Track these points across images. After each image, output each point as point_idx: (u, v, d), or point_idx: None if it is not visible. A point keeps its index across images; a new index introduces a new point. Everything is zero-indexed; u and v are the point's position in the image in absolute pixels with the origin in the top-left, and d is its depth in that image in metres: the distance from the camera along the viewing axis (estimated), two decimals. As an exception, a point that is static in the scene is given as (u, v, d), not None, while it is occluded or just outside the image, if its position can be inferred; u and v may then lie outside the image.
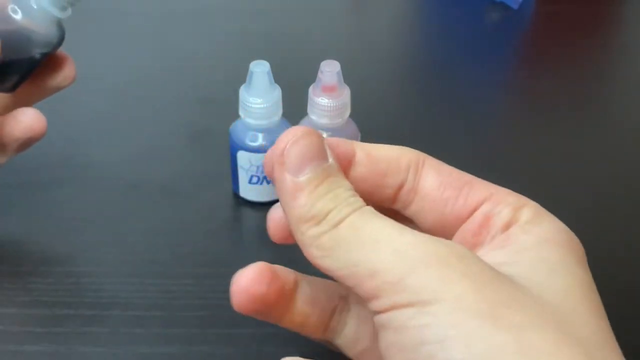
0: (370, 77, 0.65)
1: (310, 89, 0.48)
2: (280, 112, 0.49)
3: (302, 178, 0.29)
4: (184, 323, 0.44)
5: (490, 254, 0.28)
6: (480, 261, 0.27)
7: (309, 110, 0.49)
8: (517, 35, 0.74)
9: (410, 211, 0.32)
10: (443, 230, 0.31)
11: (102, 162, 0.55)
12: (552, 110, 0.62)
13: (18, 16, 0.42)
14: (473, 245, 0.30)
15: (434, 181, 0.31)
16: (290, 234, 0.31)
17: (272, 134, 0.49)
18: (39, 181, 0.53)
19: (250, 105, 0.47)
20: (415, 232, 0.27)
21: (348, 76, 0.48)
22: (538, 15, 0.75)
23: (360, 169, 0.31)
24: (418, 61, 0.70)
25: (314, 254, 0.29)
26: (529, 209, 0.30)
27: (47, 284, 0.46)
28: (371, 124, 0.55)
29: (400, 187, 0.32)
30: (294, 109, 0.50)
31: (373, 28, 0.74)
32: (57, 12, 0.43)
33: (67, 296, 0.45)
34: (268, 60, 0.47)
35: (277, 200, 0.52)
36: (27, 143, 0.43)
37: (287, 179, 0.29)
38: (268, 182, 0.50)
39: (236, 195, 0.52)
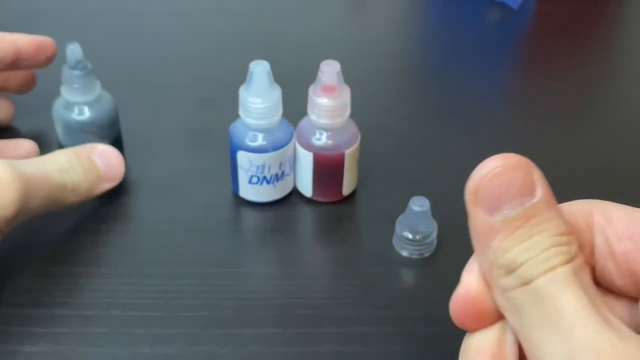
0: (371, 77, 0.65)
1: (310, 89, 0.48)
2: (280, 112, 0.49)
3: (498, 219, 0.25)
4: (184, 323, 0.44)
5: None
6: None
7: (309, 110, 0.49)
8: (517, 35, 0.74)
9: (597, 273, 0.27)
10: (636, 289, 0.26)
11: (102, 162, 0.54)
12: (552, 109, 0.62)
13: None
14: None
15: (606, 234, 0.26)
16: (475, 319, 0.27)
17: (272, 134, 0.49)
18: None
19: (250, 105, 0.47)
20: (607, 322, 0.22)
21: (348, 76, 0.48)
22: (538, 15, 0.75)
23: None
24: (418, 61, 0.70)
25: (501, 303, 0.25)
26: None
27: (47, 284, 0.46)
28: (371, 124, 0.55)
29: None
30: (294, 109, 0.50)
31: (373, 28, 0.73)
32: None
33: (67, 296, 0.45)
34: (268, 60, 0.47)
35: (277, 201, 0.52)
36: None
37: (480, 219, 0.25)
38: (268, 182, 0.50)
39: (236, 195, 0.52)
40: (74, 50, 0.48)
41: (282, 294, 0.46)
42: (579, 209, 0.27)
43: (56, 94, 0.50)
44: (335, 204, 0.52)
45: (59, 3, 0.72)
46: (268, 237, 0.50)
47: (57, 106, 0.51)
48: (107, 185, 0.48)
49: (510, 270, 0.24)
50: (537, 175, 0.25)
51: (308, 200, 0.52)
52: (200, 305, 0.45)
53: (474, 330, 0.27)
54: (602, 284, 0.27)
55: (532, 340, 0.23)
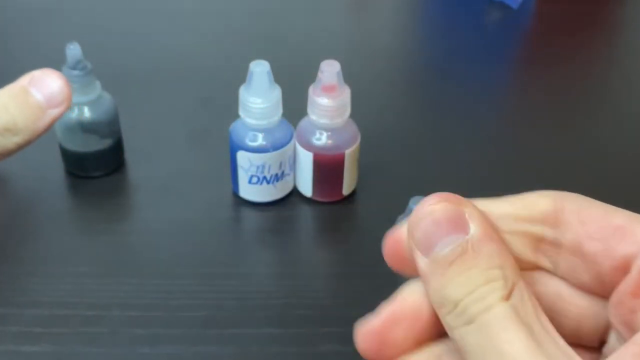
0: (370, 77, 0.65)
1: (310, 89, 0.48)
2: (280, 112, 0.49)
3: (430, 258, 0.25)
4: (184, 323, 0.44)
5: None
6: None
7: (309, 110, 0.49)
8: (517, 35, 0.74)
9: (562, 271, 0.27)
10: (603, 289, 0.26)
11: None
12: (552, 109, 0.62)
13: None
14: (632, 310, 0.25)
15: (577, 232, 0.26)
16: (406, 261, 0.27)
17: (272, 134, 0.49)
18: (38, 181, 0.53)
19: (250, 105, 0.47)
20: (550, 353, 0.23)
21: (348, 76, 0.48)
22: (538, 15, 0.75)
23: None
24: (418, 61, 0.70)
25: (456, 341, 0.25)
26: None
27: (47, 284, 0.46)
28: (371, 124, 0.55)
29: (537, 244, 0.27)
30: (294, 109, 0.50)
31: (373, 28, 0.73)
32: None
33: (67, 296, 0.45)
34: (268, 60, 0.47)
35: (277, 201, 0.52)
36: None
37: (419, 262, 0.25)
38: (268, 182, 0.50)
39: (236, 195, 0.52)
40: (73, 50, 0.48)
41: (282, 294, 0.46)
42: (552, 201, 0.26)
43: (56, 94, 0.50)
44: (335, 204, 0.52)
45: (59, 3, 0.72)
46: (268, 237, 0.50)
47: None
48: (55, 113, 0.42)
49: (450, 308, 0.24)
50: (469, 211, 0.25)
51: (308, 200, 0.52)
52: (200, 305, 0.45)
53: (401, 269, 0.28)
54: (568, 280, 0.27)
55: None
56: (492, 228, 0.25)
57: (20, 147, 0.41)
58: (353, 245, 0.50)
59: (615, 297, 0.26)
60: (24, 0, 0.72)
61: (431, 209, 0.25)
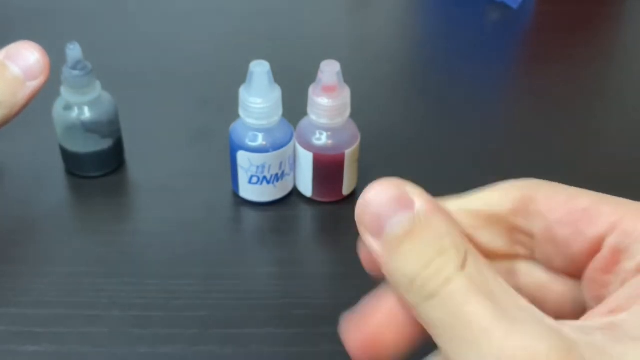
0: (371, 77, 0.65)
1: (310, 89, 0.48)
2: (280, 112, 0.49)
3: (382, 240, 0.25)
4: (184, 323, 0.44)
5: (628, 318, 0.23)
6: None
7: (309, 110, 0.49)
8: (517, 35, 0.74)
9: (538, 258, 0.28)
10: (577, 271, 0.27)
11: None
12: (552, 109, 0.62)
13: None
14: (602, 285, 0.26)
15: (547, 220, 0.27)
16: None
17: (272, 134, 0.49)
18: (38, 182, 0.53)
19: (250, 105, 0.47)
20: (515, 324, 0.23)
21: (348, 76, 0.48)
22: (538, 15, 0.75)
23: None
24: (418, 61, 0.70)
25: (421, 318, 0.25)
26: None
27: (47, 284, 0.46)
28: (371, 124, 0.55)
29: (512, 234, 0.27)
30: (294, 109, 0.50)
31: (373, 28, 0.73)
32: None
33: (67, 296, 0.45)
34: (268, 60, 0.47)
35: (276, 201, 0.52)
36: None
37: (372, 245, 0.26)
38: (268, 182, 0.50)
39: (236, 195, 0.52)
40: (74, 50, 0.48)
41: (282, 294, 0.46)
42: (520, 193, 0.27)
43: (56, 94, 0.50)
44: (335, 204, 0.52)
45: (59, 3, 0.72)
46: (268, 237, 0.51)
47: (57, 106, 0.51)
48: (35, 84, 0.42)
49: (409, 286, 0.24)
50: (411, 190, 0.26)
51: (308, 200, 0.52)
52: (200, 305, 0.45)
53: None
54: (545, 266, 0.28)
55: (449, 353, 0.24)
56: (435, 202, 0.26)
57: (2, 122, 0.41)
58: (353, 245, 0.50)
59: (587, 275, 0.27)
60: (24, 0, 0.72)
61: (374, 193, 0.26)
